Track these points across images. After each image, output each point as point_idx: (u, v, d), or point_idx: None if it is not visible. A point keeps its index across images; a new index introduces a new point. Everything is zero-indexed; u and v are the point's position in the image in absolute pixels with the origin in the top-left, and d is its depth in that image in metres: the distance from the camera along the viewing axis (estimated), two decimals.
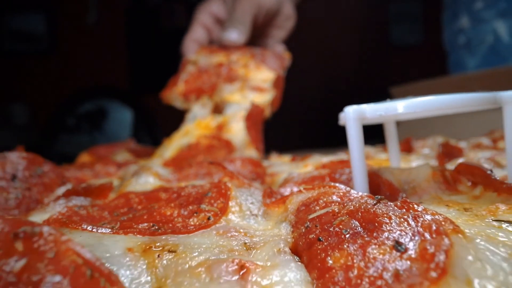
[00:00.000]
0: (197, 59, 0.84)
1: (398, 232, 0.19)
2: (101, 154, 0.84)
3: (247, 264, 0.19)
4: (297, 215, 0.26)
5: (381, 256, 0.18)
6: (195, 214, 0.28)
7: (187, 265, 0.20)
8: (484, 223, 0.23)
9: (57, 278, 0.16)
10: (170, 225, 0.26)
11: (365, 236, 0.20)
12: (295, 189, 0.36)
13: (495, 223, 0.23)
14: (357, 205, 0.23)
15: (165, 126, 1.49)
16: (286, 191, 0.37)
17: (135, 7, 3.34)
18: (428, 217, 0.20)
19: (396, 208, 0.22)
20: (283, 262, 0.20)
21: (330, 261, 0.19)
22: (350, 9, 3.54)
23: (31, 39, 3.24)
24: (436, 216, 0.20)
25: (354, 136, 0.33)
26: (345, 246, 0.20)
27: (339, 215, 0.23)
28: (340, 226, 0.22)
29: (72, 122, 3.02)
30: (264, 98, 0.76)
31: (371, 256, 0.18)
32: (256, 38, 0.89)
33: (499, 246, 0.19)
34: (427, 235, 0.19)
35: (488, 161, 0.50)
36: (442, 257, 0.17)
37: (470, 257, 0.18)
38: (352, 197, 0.26)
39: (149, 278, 0.19)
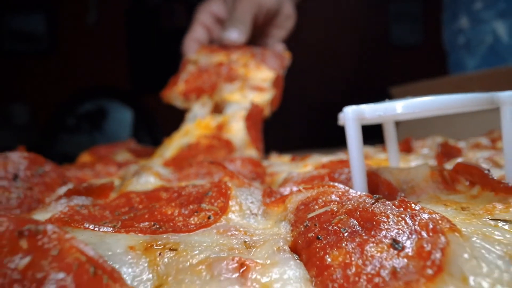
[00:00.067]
0: (198, 59, 0.84)
1: (396, 230, 0.20)
2: (102, 154, 0.84)
3: (247, 262, 0.20)
4: (297, 214, 0.27)
5: (378, 254, 0.19)
6: (195, 213, 0.28)
7: (188, 263, 0.20)
8: (480, 222, 0.24)
9: (61, 275, 0.16)
10: (171, 224, 0.27)
11: (363, 234, 0.20)
12: (295, 188, 0.36)
13: (491, 222, 0.23)
14: (356, 204, 0.23)
15: (165, 126, 1.49)
16: (286, 190, 0.37)
17: (135, 7, 3.34)
18: (425, 216, 0.20)
19: (394, 207, 0.22)
20: (283, 260, 0.21)
21: (329, 259, 0.20)
22: (350, 9, 3.54)
23: (31, 39, 3.24)
24: (433, 215, 0.21)
25: (353, 136, 0.33)
26: (343, 244, 0.20)
27: (337, 214, 0.23)
28: (339, 225, 0.22)
29: (72, 122, 3.02)
30: (264, 97, 0.77)
31: (369, 254, 0.19)
32: (256, 37, 0.89)
33: (495, 244, 0.20)
34: (424, 234, 0.19)
35: (487, 161, 0.50)
36: (438, 254, 0.17)
37: (466, 255, 0.18)
38: (351, 197, 0.26)
39: (150, 275, 0.20)
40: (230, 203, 0.29)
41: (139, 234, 0.24)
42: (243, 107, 0.75)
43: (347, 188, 0.28)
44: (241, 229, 0.26)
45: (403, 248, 0.18)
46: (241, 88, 0.78)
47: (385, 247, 0.19)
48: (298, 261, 0.21)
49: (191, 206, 0.29)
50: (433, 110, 0.35)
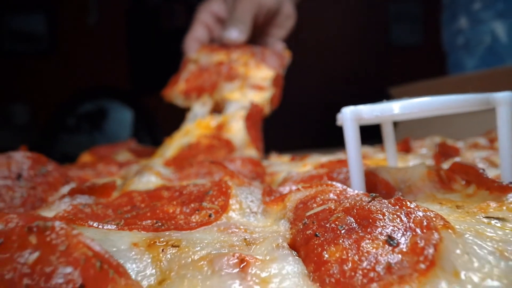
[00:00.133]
0: (198, 58, 0.85)
1: (391, 227, 0.20)
2: (102, 154, 0.85)
3: (247, 258, 0.20)
4: (295, 212, 0.27)
5: (374, 250, 0.19)
6: (196, 212, 0.29)
7: (190, 259, 0.21)
8: (474, 219, 0.24)
9: (69, 269, 0.17)
10: (173, 222, 0.27)
11: (360, 231, 0.21)
12: (294, 187, 0.37)
13: (485, 220, 0.24)
14: (353, 202, 0.24)
15: (165, 126, 1.49)
16: (285, 189, 0.38)
17: (135, 8, 3.35)
18: (420, 213, 0.21)
19: (389, 205, 0.23)
20: (282, 256, 0.21)
21: (326, 255, 0.20)
22: (350, 9, 3.55)
23: (31, 39, 3.24)
24: (428, 213, 0.21)
25: (351, 136, 0.34)
26: (340, 241, 0.21)
27: (335, 212, 0.24)
28: (336, 223, 0.22)
29: (72, 122, 3.03)
30: (264, 96, 0.77)
31: (365, 250, 0.19)
32: (256, 37, 0.90)
33: (487, 240, 0.20)
34: (418, 230, 0.20)
35: (483, 161, 0.51)
36: (431, 250, 0.18)
37: (458, 251, 0.19)
38: (348, 195, 0.27)
39: (154, 271, 0.21)
40: (231, 201, 0.30)
41: (142, 232, 0.25)
42: (243, 106, 0.75)
43: (344, 187, 0.29)
44: (241, 227, 0.27)
45: (398, 244, 0.19)
46: (241, 87, 0.79)
47: (381, 244, 0.20)
48: (297, 257, 0.22)
49: (192, 205, 0.30)
50: (430, 111, 0.35)
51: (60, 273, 0.16)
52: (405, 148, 0.68)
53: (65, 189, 0.45)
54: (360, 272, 0.18)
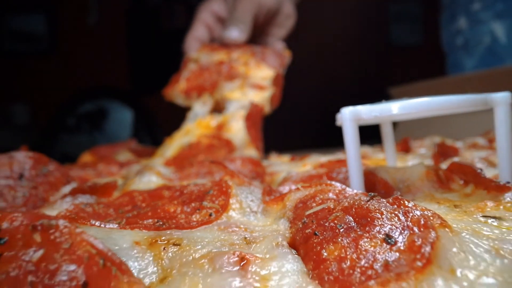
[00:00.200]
0: (199, 57, 0.85)
1: (389, 226, 0.21)
2: (103, 154, 0.85)
3: (247, 256, 0.21)
4: (295, 211, 0.28)
5: (372, 249, 0.20)
6: (197, 211, 0.29)
7: (191, 257, 0.21)
8: (471, 218, 0.25)
9: (72, 267, 0.17)
10: (174, 221, 0.28)
11: (358, 230, 0.21)
12: (294, 187, 0.37)
13: (482, 219, 0.24)
14: (352, 201, 0.24)
15: (165, 126, 1.50)
16: (285, 189, 0.38)
17: (135, 8, 3.35)
18: (418, 212, 0.21)
19: (388, 204, 0.23)
20: (281, 254, 0.22)
21: (325, 253, 0.21)
22: (350, 9, 3.55)
23: (32, 39, 3.25)
24: (425, 212, 0.22)
25: (350, 136, 0.34)
26: (339, 239, 0.21)
27: (334, 211, 0.24)
28: (335, 221, 0.23)
29: (72, 122, 3.03)
30: (264, 95, 0.78)
31: (363, 248, 0.20)
32: (257, 36, 0.91)
33: (483, 239, 0.21)
34: (415, 229, 0.20)
35: (482, 161, 0.51)
36: (428, 248, 0.18)
37: (454, 249, 0.19)
38: (347, 194, 0.27)
39: (155, 269, 0.21)
40: (231, 201, 0.30)
41: (144, 230, 0.25)
42: (244, 105, 0.76)
43: (343, 186, 0.29)
44: (242, 226, 0.27)
45: (396, 242, 0.19)
46: (242, 86, 0.79)
47: (379, 242, 0.20)
48: (296, 255, 0.22)
49: (193, 204, 0.30)
50: (428, 111, 0.36)
51: (64, 271, 0.17)
52: (404, 148, 0.68)
53: (66, 188, 0.45)
54: (358, 270, 0.19)
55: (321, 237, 0.22)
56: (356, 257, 0.19)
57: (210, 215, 0.29)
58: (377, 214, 0.22)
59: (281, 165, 0.56)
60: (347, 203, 0.24)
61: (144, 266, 0.21)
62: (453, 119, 1.00)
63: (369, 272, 0.18)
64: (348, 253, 0.20)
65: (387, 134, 0.46)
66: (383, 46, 3.61)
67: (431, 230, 0.20)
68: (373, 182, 0.38)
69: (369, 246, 0.20)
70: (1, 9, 3.12)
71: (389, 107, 0.34)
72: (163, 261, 0.21)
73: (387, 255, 0.19)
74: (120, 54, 3.32)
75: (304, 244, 0.23)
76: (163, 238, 0.23)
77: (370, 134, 0.71)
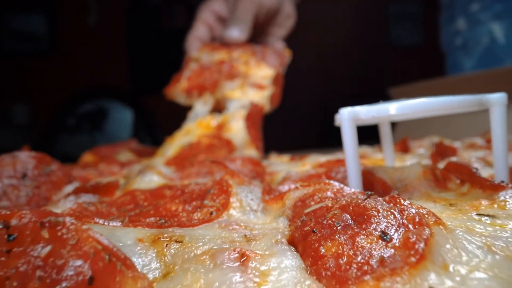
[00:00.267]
0: (200, 57, 0.86)
1: (385, 223, 0.21)
2: (104, 154, 0.86)
3: (247, 253, 0.21)
4: (294, 210, 0.28)
5: (368, 245, 0.20)
6: (198, 209, 0.30)
7: (193, 254, 0.22)
8: (466, 216, 0.25)
9: (79, 262, 0.18)
10: (176, 219, 0.29)
11: (355, 227, 0.22)
12: (293, 186, 0.38)
13: (476, 217, 0.25)
14: (349, 200, 0.25)
15: (165, 126, 1.50)
16: (284, 188, 0.39)
17: (135, 8, 3.35)
18: (413, 210, 0.22)
19: (384, 202, 0.23)
20: (280, 251, 0.22)
21: (323, 250, 0.21)
22: (350, 9, 3.56)
23: (32, 39, 3.25)
24: (420, 210, 0.22)
25: (349, 136, 0.35)
26: (336, 236, 0.22)
27: (332, 209, 0.25)
28: (333, 219, 0.23)
29: (72, 122, 3.03)
30: (264, 95, 0.79)
31: (360, 245, 0.20)
32: (257, 36, 0.91)
33: (476, 236, 0.21)
34: (410, 226, 0.21)
35: (479, 161, 0.51)
36: (421, 244, 0.19)
37: (448, 245, 0.20)
38: (345, 193, 0.28)
39: (158, 265, 0.22)
40: (231, 199, 0.31)
41: (146, 228, 0.26)
42: (244, 105, 0.76)
43: (342, 185, 0.30)
44: (242, 224, 0.28)
45: (391, 239, 0.20)
46: (242, 86, 0.80)
47: (375, 239, 0.21)
48: (295, 252, 0.23)
49: (194, 203, 0.31)
50: (425, 112, 0.36)
51: (71, 266, 0.18)
52: (403, 148, 0.69)
53: (69, 188, 0.46)
54: (355, 265, 0.19)
55: (319, 235, 0.23)
56: (353, 253, 0.20)
57: (211, 213, 0.29)
58: (374, 212, 0.22)
59: (280, 165, 0.56)
60: (344, 201, 0.25)
61: (147, 262, 0.22)
62: (452, 120, 1.01)
63: (365, 267, 0.19)
64: (345, 249, 0.21)
65: (385, 134, 0.46)
66: (383, 46, 3.61)
67: (425, 227, 0.20)
68: (371, 182, 0.39)
69: (366, 243, 0.21)
70: (1, 9, 3.12)
71: (387, 108, 0.34)
72: (166, 257, 0.22)
73: (383, 251, 0.19)
74: (120, 54, 3.32)
75: (302, 241, 0.23)
76: (166, 235, 0.24)
77: (369, 134, 0.71)
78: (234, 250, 0.21)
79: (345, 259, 0.20)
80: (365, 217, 0.23)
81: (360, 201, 0.24)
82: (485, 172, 0.43)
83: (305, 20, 1.68)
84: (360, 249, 0.20)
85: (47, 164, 0.47)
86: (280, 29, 0.94)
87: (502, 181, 0.31)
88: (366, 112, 0.35)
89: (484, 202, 0.28)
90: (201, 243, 0.23)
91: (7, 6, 3.14)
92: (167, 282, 0.20)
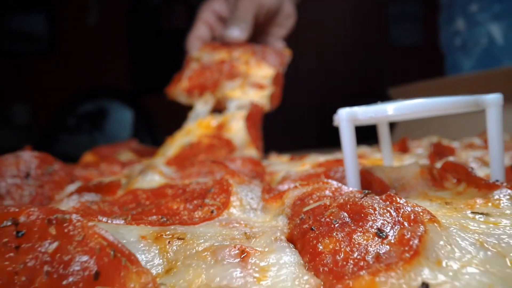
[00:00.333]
0: (200, 56, 0.86)
1: (381, 221, 0.22)
2: (104, 154, 0.86)
3: (247, 249, 0.22)
4: (293, 208, 0.29)
5: (365, 242, 0.21)
6: (199, 208, 0.31)
7: (194, 250, 0.22)
8: (460, 214, 0.26)
9: (85, 257, 0.18)
10: (177, 217, 0.29)
11: (352, 225, 0.23)
12: (292, 185, 0.39)
13: (470, 215, 0.26)
14: (347, 198, 0.25)
15: (165, 126, 1.51)
16: (284, 187, 0.39)
17: (135, 8, 3.36)
18: (408, 208, 0.23)
19: (380, 201, 0.24)
20: (279, 248, 0.23)
21: (321, 247, 0.22)
22: (350, 9, 3.56)
23: (32, 39, 3.25)
24: (416, 208, 0.23)
25: (347, 136, 0.35)
26: (334, 234, 0.22)
27: (330, 207, 0.25)
28: (331, 217, 0.24)
29: (72, 122, 3.04)
30: (264, 94, 0.79)
31: (356, 242, 0.21)
32: (257, 35, 0.92)
33: (469, 233, 0.22)
34: (406, 224, 0.21)
35: (476, 160, 0.52)
36: (416, 241, 0.19)
37: (441, 242, 0.20)
38: (343, 192, 0.28)
39: (161, 261, 0.22)
40: (232, 198, 0.32)
41: (149, 226, 0.26)
42: (244, 104, 0.77)
43: (340, 184, 0.30)
44: (242, 222, 0.28)
45: (387, 236, 0.21)
46: (242, 85, 0.80)
47: (371, 236, 0.21)
48: (294, 249, 0.24)
49: (195, 202, 0.32)
50: (422, 112, 0.37)
51: (77, 261, 0.18)
52: (402, 148, 0.70)
53: (71, 187, 0.46)
54: (351, 261, 0.20)
55: (317, 232, 0.23)
56: (350, 250, 0.21)
57: (212, 212, 0.30)
58: (370, 210, 0.23)
59: (280, 164, 0.57)
60: (342, 200, 0.26)
61: (150, 258, 0.22)
62: (452, 120, 1.01)
63: (361, 263, 0.19)
64: (342, 246, 0.21)
65: (384, 134, 0.47)
66: (382, 46, 3.62)
67: (420, 224, 0.21)
68: (370, 181, 0.39)
69: (362, 239, 0.21)
70: (1, 9, 3.13)
71: (385, 108, 0.35)
72: (168, 254, 0.22)
73: (379, 247, 0.20)
74: (120, 54, 3.33)
75: (301, 238, 0.24)
76: (168, 232, 0.24)
77: (368, 135, 0.72)
78: (235, 247, 0.22)
79: (342, 255, 0.21)
80: (362, 215, 0.23)
81: (357, 199, 0.25)
82: (481, 172, 0.44)
83: (305, 20, 1.69)
84: (357, 245, 0.21)
85: (49, 164, 0.47)
86: (280, 29, 0.95)
87: (497, 180, 0.31)
88: (364, 113, 0.35)
89: (479, 201, 0.28)
90: (202, 240, 0.23)
91: (7, 6, 3.15)
92: (169, 278, 0.21)
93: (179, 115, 0.91)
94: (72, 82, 3.15)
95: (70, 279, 0.18)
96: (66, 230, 0.19)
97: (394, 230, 0.21)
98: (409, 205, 0.23)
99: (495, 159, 0.36)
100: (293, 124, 3.23)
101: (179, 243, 0.23)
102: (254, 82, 0.81)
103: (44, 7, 3.23)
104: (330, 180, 0.31)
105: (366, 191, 0.26)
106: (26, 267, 0.18)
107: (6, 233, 0.19)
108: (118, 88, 3.25)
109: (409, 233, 0.20)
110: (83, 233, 0.19)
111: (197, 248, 0.23)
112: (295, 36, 1.02)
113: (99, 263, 0.18)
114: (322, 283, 0.20)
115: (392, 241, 0.20)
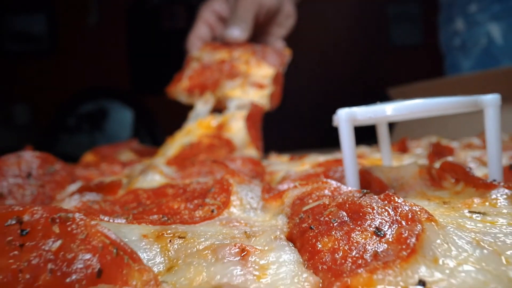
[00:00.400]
0: (201, 56, 0.87)
1: (379, 220, 0.22)
2: (105, 154, 0.87)
3: (247, 248, 0.22)
4: (293, 207, 0.29)
5: (363, 241, 0.21)
6: (200, 207, 0.31)
7: (195, 249, 0.23)
8: (458, 213, 0.26)
9: (88, 255, 0.19)
10: (178, 217, 0.30)
11: (351, 224, 0.23)
12: (292, 185, 0.39)
13: (467, 214, 0.26)
14: (345, 197, 0.26)
15: (165, 126, 1.51)
16: (283, 187, 0.40)
17: (135, 8, 3.36)
18: (406, 207, 0.23)
19: (379, 200, 0.24)
20: (279, 246, 0.23)
21: (320, 245, 0.22)
22: (350, 9, 3.57)
23: (32, 39, 3.26)
24: (413, 207, 0.23)
25: (346, 136, 0.36)
26: (333, 233, 0.23)
27: (329, 206, 0.26)
28: (330, 216, 0.24)
29: (72, 122, 3.04)
30: (264, 93, 0.80)
31: (355, 240, 0.21)
32: (257, 35, 0.92)
33: (466, 232, 0.22)
34: (403, 223, 0.22)
35: (475, 160, 0.52)
36: (413, 239, 0.20)
37: (438, 240, 0.20)
38: (342, 191, 0.29)
39: (162, 259, 0.23)
40: (232, 198, 0.32)
41: (150, 225, 0.27)
42: (244, 104, 0.77)
43: (339, 184, 0.31)
44: (242, 221, 0.29)
45: (385, 235, 0.21)
46: (243, 85, 0.81)
47: (369, 235, 0.22)
48: (293, 247, 0.24)
49: (195, 201, 0.32)
50: (421, 113, 0.37)
51: (80, 259, 0.19)
52: (402, 148, 0.70)
53: (72, 187, 0.47)
54: (350, 259, 0.20)
55: (316, 231, 0.24)
56: (348, 248, 0.21)
57: (212, 211, 0.30)
58: (369, 209, 0.23)
59: (280, 164, 0.57)
60: (341, 199, 0.26)
61: (152, 257, 0.23)
62: (451, 120, 1.02)
63: (359, 261, 0.20)
64: (340, 245, 0.21)
65: (383, 134, 0.47)
66: (382, 46, 3.62)
67: (417, 223, 0.21)
68: (369, 181, 0.39)
69: (360, 238, 0.21)
70: (1, 9, 3.13)
71: (384, 109, 0.35)
72: (170, 252, 0.23)
73: (377, 246, 0.20)
74: (121, 54, 3.33)
75: (300, 237, 0.24)
76: (169, 231, 0.25)
77: (368, 135, 0.72)
78: (235, 245, 0.22)
79: (341, 253, 0.21)
80: (361, 214, 0.23)
81: (356, 199, 0.25)
82: (480, 172, 0.44)
83: (305, 20, 1.70)
84: (355, 244, 0.21)
85: (51, 164, 0.48)
86: (280, 28, 0.96)
87: (494, 180, 0.32)
88: (363, 113, 0.36)
89: (477, 200, 0.29)
90: (203, 239, 0.24)
91: (7, 6, 3.15)
92: (171, 275, 0.21)
93: (179, 115, 0.92)
94: (72, 82, 3.15)
95: (74, 276, 0.18)
96: (69, 229, 0.19)
97: (392, 229, 0.21)
98: (407, 204, 0.23)
99: (493, 159, 0.37)
100: (293, 124, 3.23)
101: (180, 241, 0.23)
102: (254, 82, 0.81)
103: (44, 7, 3.23)
104: (329, 180, 0.31)
105: (365, 191, 0.27)
106: (30, 265, 0.18)
107: (11, 232, 0.19)
108: (118, 88, 3.25)
109: (407, 231, 0.20)
110: (86, 232, 0.19)
111: (198, 246, 0.23)
112: (295, 36, 1.03)
113: (101, 261, 0.19)
114: (321, 280, 0.20)
115: (390, 239, 0.21)
